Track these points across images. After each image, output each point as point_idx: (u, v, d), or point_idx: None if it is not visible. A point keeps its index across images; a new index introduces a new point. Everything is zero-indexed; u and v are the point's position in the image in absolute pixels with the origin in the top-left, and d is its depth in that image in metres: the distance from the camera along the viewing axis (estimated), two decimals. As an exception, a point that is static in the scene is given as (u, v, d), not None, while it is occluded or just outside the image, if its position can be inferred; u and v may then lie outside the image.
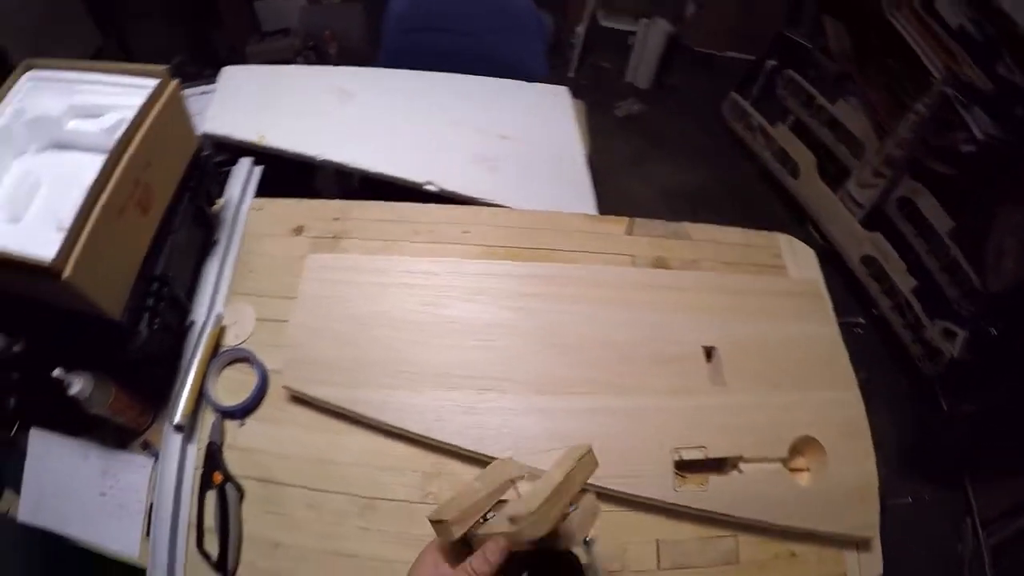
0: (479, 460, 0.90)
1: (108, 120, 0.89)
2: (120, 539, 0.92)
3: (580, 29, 3.08)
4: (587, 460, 0.61)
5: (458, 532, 0.56)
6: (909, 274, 2.11)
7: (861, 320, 2.13)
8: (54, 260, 0.70)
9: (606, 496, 0.88)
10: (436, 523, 0.57)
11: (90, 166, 0.87)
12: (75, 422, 0.96)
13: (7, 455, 0.99)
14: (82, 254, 0.73)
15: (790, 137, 2.54)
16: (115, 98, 0.92)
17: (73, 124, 0.92)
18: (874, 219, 2.22)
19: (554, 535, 0.56)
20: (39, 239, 0.73)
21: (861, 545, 0.90)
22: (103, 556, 0.93)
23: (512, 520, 0.53)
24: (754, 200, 2.70)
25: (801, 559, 0.89)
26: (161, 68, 0.91)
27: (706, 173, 2.81)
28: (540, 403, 0.90)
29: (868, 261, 2.19)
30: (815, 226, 2.41)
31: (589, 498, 0.60)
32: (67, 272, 0.71)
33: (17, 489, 0.97)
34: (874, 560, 0.90)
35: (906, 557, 1.69)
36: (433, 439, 0.89)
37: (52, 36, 2.21)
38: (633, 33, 3.09)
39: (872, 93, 2.28)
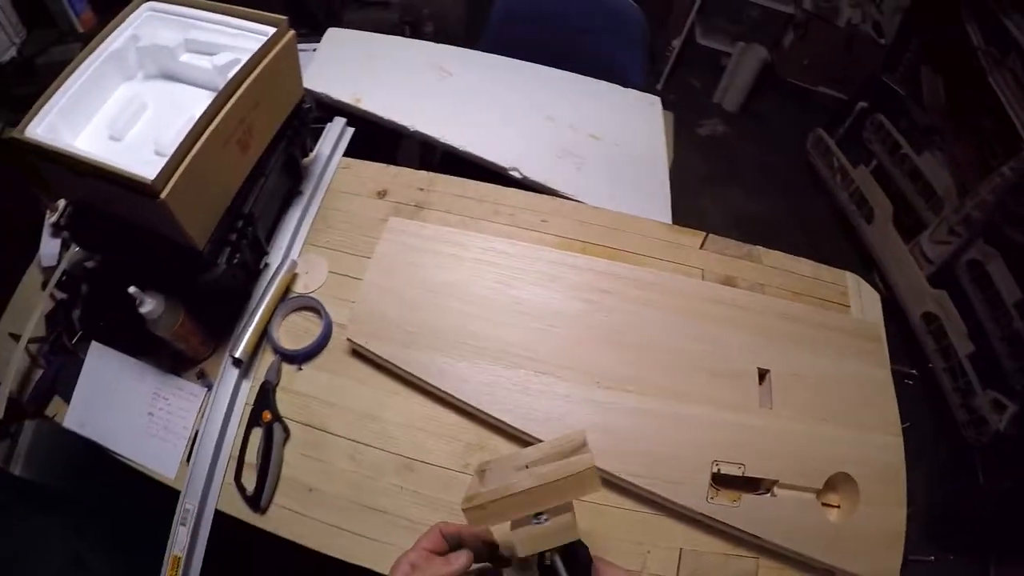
0: (524, 440, 0.93)
1: (222, 58, 0.92)
2: (160, 460, 0.96)
3: (676, 43, 3.08)
4: (585, 476, 0.58)
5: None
6: (968, 338, 2.06)
7: (913, 372, 2.09)
8: (155, 179, 0.73)
9: (639, 496, 0.90)
10: (468, 510, 0.60)
11: (196, 99, 0.93)
12: (136, 342, 1.01)
13: (62, 364, 1.04)
14: (181, 178, 0.76)
15: (870, 181, 2.50)
16: (230, 39, 0.95)
17: (186, 57, 0.96)
18: (942, 277, 2.18)
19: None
20: (137, 159, 0.77)
21: None
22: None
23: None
24: (824, 238, 2.67)
25: None
26: (281, 17, 0.94)
27: (779, 204, 2.79)
28: (594, 395, 0.93)
29: (929, 318, 2.15)
30: (881, 274, 2.37)
31: (567, 518, 0.59)
32: (165, 192, 0.74)
33: (66, 397, 1.02)
34: None
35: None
36: (483, 412, 0.93)
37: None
38: (728, 55, 3.08)
39: (959, 150, 2.24)
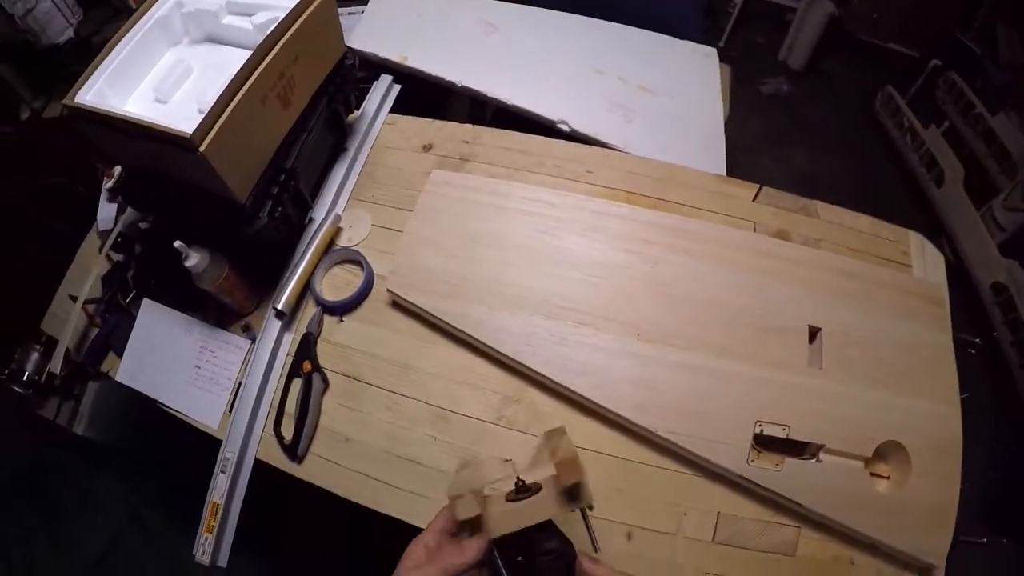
0: (560, 393, 0.92)
1: (261, 17, 0.95)
2: (205, 410, 1.01)
3: (738, -1, 2.96)
4: (568, 458, 0.61)
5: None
6: (1039, 313, 1.96)
7: (977, 340, 1.99)
8: (193, 133, 0.75)
9: (676, 455, 0.88)
10: (454, 499, 0.60)
11: (239, 60, 0.93)
12: (184, 297, 1.06)
13: (117, 322, 1.09)
14: (219, 132, 0.78)
15: (941, 143, 2.37)
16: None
17: (228, 20, 0.99)
18: (1014, 246, 2.05)
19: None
20: (181, 117, 0.79)
21: (923, 572, 0.84)
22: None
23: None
24: (891, 201, 2.53)
25: (859, 568, 0.84)
26: None
27: (845, 165, 2.68)
28: (635, 347, 0.91)
29: (998, 288, 2.03)
30: (949, 240, 2.25)
31: (542, 500, 0.61)
32: (203, 146, 0.77)
33: (119, 353, 1.07)
34: None
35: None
36: (521, 363, 0.92)
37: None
38: (793, 10, 2.95)
39: (1039, 110, 2.09)
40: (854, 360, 0.92)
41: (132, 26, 0.91)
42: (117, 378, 1.04)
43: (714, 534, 0.85)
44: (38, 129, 1.71)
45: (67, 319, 1.10)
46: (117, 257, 1.15)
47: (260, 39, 0.90)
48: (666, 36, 1.50)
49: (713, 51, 1.49)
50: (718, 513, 0.86)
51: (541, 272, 0.97)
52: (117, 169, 1.20)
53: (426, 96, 1.38)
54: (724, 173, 1.24)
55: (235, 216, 0.91)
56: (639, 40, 1.49)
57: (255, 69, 0.84)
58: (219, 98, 0.79)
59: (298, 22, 0.90)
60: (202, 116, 0.79)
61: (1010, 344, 2.00)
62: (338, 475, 0.92)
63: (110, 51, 0.88)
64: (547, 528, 0.61)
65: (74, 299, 1.11)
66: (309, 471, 0.93)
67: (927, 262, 1.09)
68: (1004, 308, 2.02)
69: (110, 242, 1.15)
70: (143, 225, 1.13)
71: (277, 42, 0.87)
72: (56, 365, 1.07)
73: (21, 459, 1.77)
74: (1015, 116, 2.14)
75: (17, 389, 1.08)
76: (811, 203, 1.12)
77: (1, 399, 1.14)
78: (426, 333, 1.00)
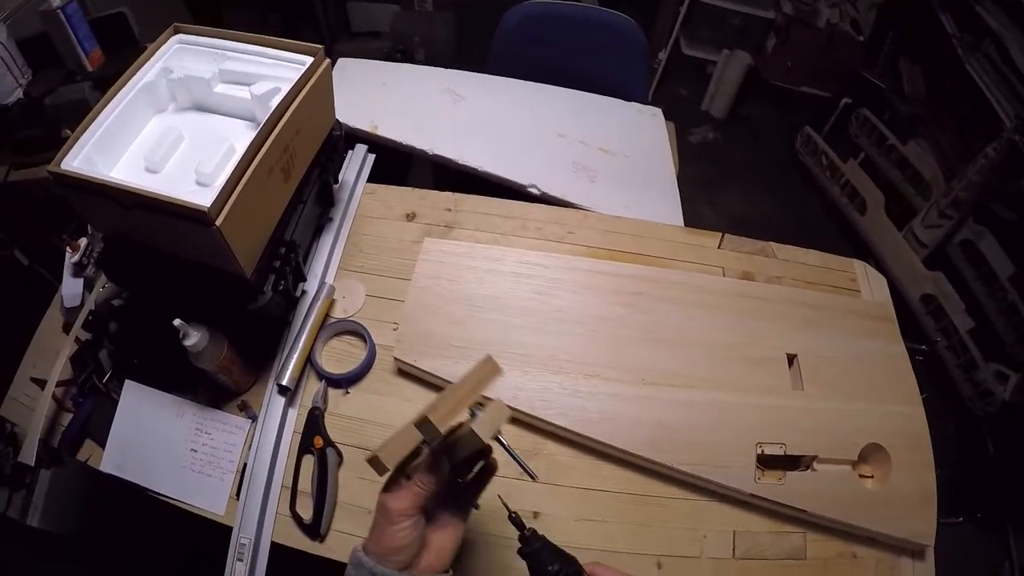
0: (578, 443, 0.98)
1: (261, 88, 0.91)
2: (207, 496, 0.95)
3: (662, 55, 3.15)
4: (489, 369, 0.69)
5: (390, 462, 0.63)
6: (967, 315, 2.14)
7: (924, 347, 2.16)
8: (210, 207, 0.73)
9: (691, 485, 0.95)
10: (372, 460, 0.63)
11: (233, 129, 0.94)
12: (173, 378, 1.00)
13: (93, 406, 1.02)
14: (234, 205, 0.76)
15: (860, 174, 2.58)
16: (267, 69, 0.96)
17: (221, 88, 0.96)
18: (936, 259, 2.26)
19: (459, 442, 0.65)
20: (180, 190, 0.76)
21: (916, 554, 0.95)
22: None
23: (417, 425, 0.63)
24: (820, 233, 2.74)
25: (861, 561, 0.94)
26: (317, 46, 0.96)
27: (774, 203, 2.87)
28: (642, 391, 0.98)
29: (927, 300, 2.22)
30: (877, 262, 2.42)
31: (497, 404, 0.67)
32: (220, 220, 0.74)
33: (99, 439, 1.00)
34: (928, 570, 0.95)
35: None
36: (538, 418, 0.96)
37: (145, 16, 2.15)
38: (713, 63, 3.16)
39: (942, 136, 2.32)
40: (829, 379, 1.02)
41: (117, 91, 0.88)
42: (102, 468, 0.97)
43: (733, 551, 0.93)
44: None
45: (34, 406, 1.01)
46: (86, 336, 1.07)
47: (257, 109, 0.91)
48: (618, 99, 1.63)
49: (659, 111, 1.63)
50: (734, 532, 0.94)
51: (544, 330, 1.03)
52: (83, 241, 1.13)
53: (389, 161, 1.41)
54: (682, 223, 1.36)
55: (239, 291, 0.90)
56: (595, 104, 1.62)
57: (264, 143, 0.82)
58: (233, 171, 0.77)
59: (302, 94, 0.89)
60: (203, 189, 0.79)
61: (945, 348, 2.18)
62: (364, 549, 0.92)
63: (95, 116, 0.84)
64: (548, 547, 0.67)
65: (39, 383, 1.04)
66: (332, 548, 0.91)
67: (872, 285, 1.23)
68: (935, 316, 2.20)
69: (80, 321, 1.06)
70: (118, 302, 1.06)
71: (284, 114, 0.86)
72: (29, 456, 0.97)
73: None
74: (924, 142, 2.36)
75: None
76: (767, 245, 1.24)
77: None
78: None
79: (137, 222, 0.80)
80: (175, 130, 0.92)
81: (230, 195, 0.76)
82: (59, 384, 1.03)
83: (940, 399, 2.20)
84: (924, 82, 2.46)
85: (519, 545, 0.68)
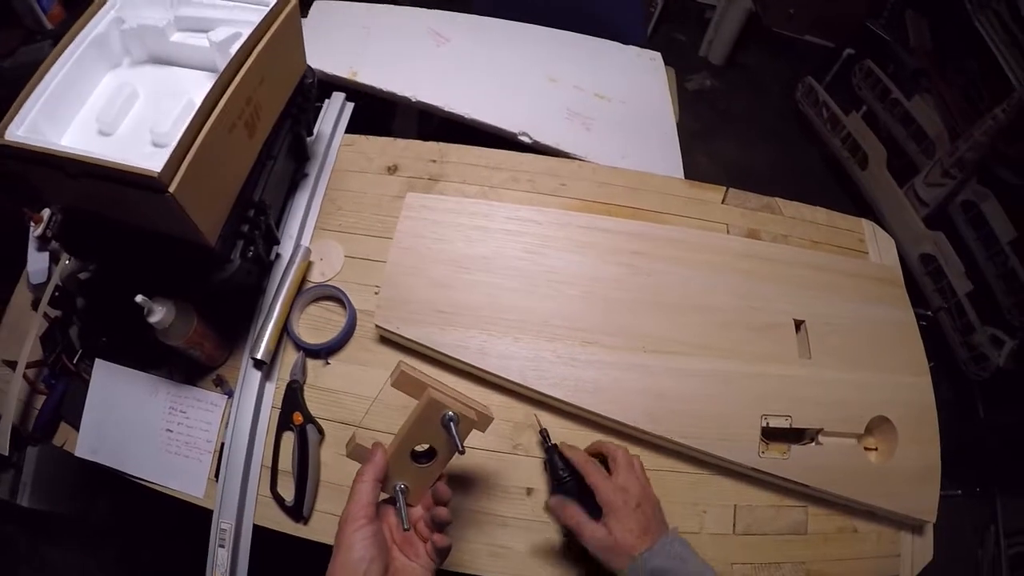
0: (573, 414, 0.92)
1: (220, 34, 0.83)
2: (185, 479, 0.91)
3: (659, -2, 3.03)
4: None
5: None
6: (966, 277, 2.11)
7: (929, 313, 2.13)
8: (161, 171, 0.65)
9: (691, 459, 0.91)
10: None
11: (193, 82, 0.85)
12: (144, 355, 0.95)
13: (65, 387, 0.97)
14: (189, 168, 0.69)
15: (862, 127, 2.50)
16: (226, 13, 0.87)
17: (178, 37, 0.87)
18: (937, 219, 2.21)
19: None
20: (134, 153, 0.70)
21: (916, 529, 0.93)
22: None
23: None
24: (818, 186, 2.68)
25: (862, 536, 0.92)
26: None
27: (772, 155, 2.79)
28: (642, 360, 0.92)
29: (926, 259, 2.18)
30: (876, 219, 2.36)
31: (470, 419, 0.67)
32: (173, 186, 0.67)
33: (73, 423, 0.95)
34: (926, 545, 0.93)
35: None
36: (530, 388, 0.90)
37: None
38: (713, 7, 3.05)
39: (948, 93, 2.25)
40: (836, 347, 0.97)
41: (65, 48, 0.79)
42: (77, 453, 0.93)
43: (734, 526, 0.89)
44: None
45: (6, 388, 0.96)
46: (55, 313, 1.01)
47: (219, 58, 0.82)
48: (614, 42, 1.53)
49: (658, 55, 1.53)
50: (735, 506, 0.90)
51: (538, 293, 0.96)
52: (46, 213, 1.06)
53: (372, 111, 1.34)
54: (682, 175, 1.28)
55: (204, 260, 0.82)
56: (589, 46, 1.51)
57: (222, 95, 0.74)
58: (186, 130, 0.69)
59: (265, 38, 0.81)
60: (160, 150, 0.71)
61: (942, 310, 2.16)
62: (349, 529, 0.88)
63: (41, 78, 0.76)
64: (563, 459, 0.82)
65: (10, 364, 0.98)
66: (317, 530, 0.87)
67: (880, 246, 1.17)
68: (934, 277, 2.17)
69: (47, 297, 1.00)
70: (83, 275, 1.00)
71: (245, 62, 0.77)
72: (3, 444, 0.92)
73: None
74: (929, 98, 2.29)
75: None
76: (773, 200, 1.18)
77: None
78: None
79: (88, 192, 0.73)
80: (129, 86, 0.83)
81: (184, 156, 0.69)
82: (31, 365, 0.97)
83: (935, 362, 2.16)
84: (931, 37, 2.37)
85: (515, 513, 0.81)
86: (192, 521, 0.89)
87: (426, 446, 0.68)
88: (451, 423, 0.65)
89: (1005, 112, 1.92)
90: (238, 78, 0.76)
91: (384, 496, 0.67)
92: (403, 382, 0.69)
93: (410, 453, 0.67)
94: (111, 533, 1.64)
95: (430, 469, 0.68)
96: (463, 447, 0.64)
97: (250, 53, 0.78)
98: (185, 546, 0.89)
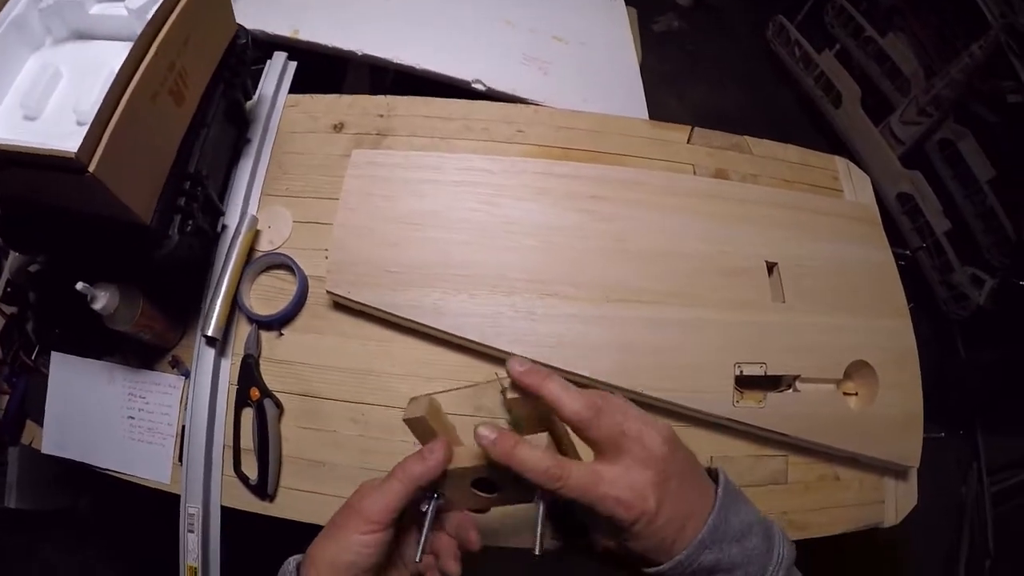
0: None
1: (136, 1, 0.80)
2: (150, 466, 0.90)
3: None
4: None
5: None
6: (944, 216, 2.08)
7: (907, 252, 2.11)
8: (78, 152, 0.62)
9: (663, 411, 0.87)
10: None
11: (116, 54, 0.81)
12: (98, 342, 0.93)
13: (27, 385, 0.95)
14: (109, 145, 0.65)
15: (835, 65, 2.45)
16: None
17: (97, 8, 0.84)
18: (914, 158, 2.18)
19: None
20: (58, 133, 0.69)
21: (899, 475, 0.92)
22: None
23: None
24: (792, 127, 2.63)
25: (844, 483, 0.90)
26: None
27: (744, 96, 2.73)
28: (605, 311, 0.87)
29: (904, 199, 2.15)
30: (852, 157, 2.33)
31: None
32: (93, 165, 0.63)
33: (38, 420, 0.94)
34: (910, 491, 0.92)
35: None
36: (489, 346, 0.86)
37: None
38: (679, -54, 2.95)
39: (922, 30, 2.21)
40: (811, 289, 0.93)
41: None
42: (44, 450, 0.92)
43: None
44: None
45: None
46: (10, 310, 0.99)
47: (139, 26, 0.75)
48: (571, -18, 1.45)
49: (620, -6, 1.46)
50: (711, 457, 0.87)
51: (493, 246, 0.91)
52: None
53: (321, 70, 1.27)
54: (647, 117, 1.22)
55: (141, 240, 0.78)
56: (545, -12, 1.43)
57: (140, 63, 0.70)
58: (103, 104, 0.65)
59: (183, 1, 0.76)
60: (82, 128, 0.66)
61: (921, 249, 2.14)
62: (316, 504, 0.84)
63: None
64: None
65: None
66: (283, 507, 0.85)
67: (855, 184, 1.13)
68: (911, 216, 2.15)
69: None
70: (33, 268, 0.97)
71: (162, 27, 0.73)
72: None
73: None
74: (903, 36, 2.25)
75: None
76: (742, 139, 1.12)
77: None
78: (378, 332, 0.92)
79: (17, 181, 0.69)
80: (51, 66, 0.80)
81: (103, 133, 0.64)
82: None
83: (914, 301, 2.15)
84: (905, -27, 2.31)
85: None
86: (172, 505, 0.88)
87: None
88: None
89: (982, 49, 1.89)
90: (155, 44, 0.72)
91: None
92: (417, 425, 0.53)
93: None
94: (99, 525, 1.63)
95: (479, 499, 0.54)
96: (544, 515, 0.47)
97: (167, 16, 0.74)
98: (169, 532, 0.87)
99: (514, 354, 0.74)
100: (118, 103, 0.66)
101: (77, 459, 0.91)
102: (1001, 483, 1.93)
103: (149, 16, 0.73)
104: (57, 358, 0.93)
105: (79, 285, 0.74)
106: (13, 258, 0.99)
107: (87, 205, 0.72)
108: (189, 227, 0.83)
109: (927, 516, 0.98)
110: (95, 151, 0.64)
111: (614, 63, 1.33)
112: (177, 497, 0.86)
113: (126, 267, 0.81)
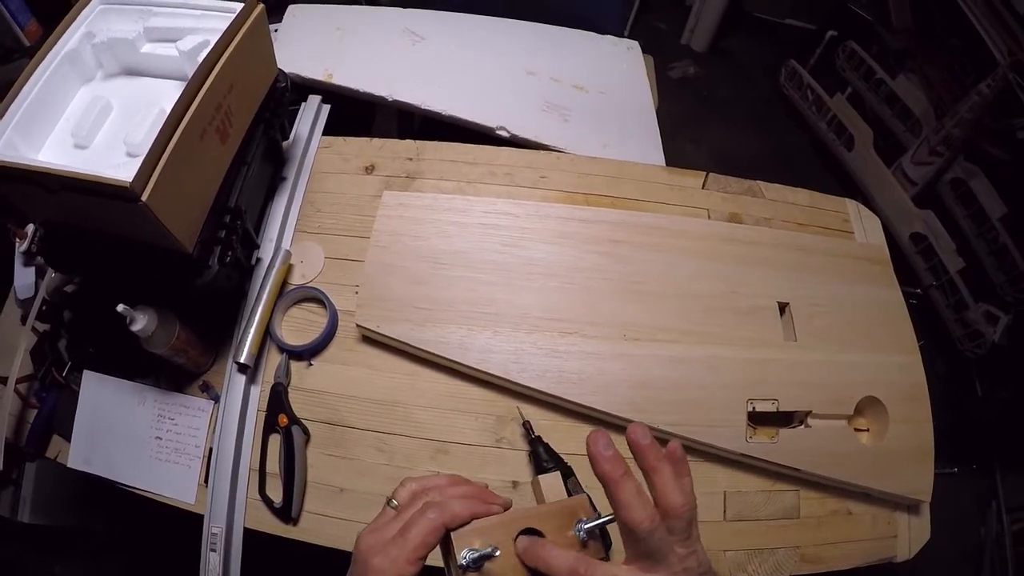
0: (557, 406, 0.92)
1: (189, 43, 0.85)
2: (176, 485, 0.91)
3: (640, -14, 2.99)
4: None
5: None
6: (957, 255, 2.09)
7: (918, 291, 2.12)
8: (133, 180, 0.66)
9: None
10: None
11: (165, 91, 0.86)
12: (130, 363, 0.95)
13: (56, 400, 0.98)
14: (161, 176, 0.69)
15: (847, 108, 2.48)
16: (194, 22, 0.89)
17: (148, 48, 0.88)
18: (926, 197, 2.19)
19: None
20: (109, 164, 0.71)
21: (912, 509, 0.93)
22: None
23: None
24: (806, 170, 2.66)
25: (856, 518, 0.92)
26: None
27: (758, 140, 2.77)
28: (624, 348, 0.91)
29: (917, 239, 2.16)
30: (866, 200, 2.35)
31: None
32: (145, 195, 0.67)
33: (65, 434, 0.96)
34: (923, 525, 0.93)
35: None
36: (512, 381, 0.90)
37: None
38: (693, -6, 3.01)
39: (932, 71, 2.23)
40: (822, 328, 0.96)
41: (38, 64, 0.81)
42: (70, 464, 0.94)
43: (724, 512, 0.89)
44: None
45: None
46: (44, 327, 1.02)
47: (189, 67, 0.83)
48: (590, 32, 1.52)
49: (636, 43, 1.52)
50: (724, 492, 0.90)
51: (517, 286, 0.95)
52: (31, 228, 1.08)
53: (351, 112, 1.33)
54: (663, 163, 1.27)
55: (183, 268, 0.83)
56: (566, 38, 1.50)
57: (192, 103, 0.75)
58: (156, 139, 0.70)
59: (232, 45, 0.81)
60: (134, 160, 0.71)
61: (935, 288, 2.14)
62: (340, 529, 0.87)
63: (16, 95, 0.77)
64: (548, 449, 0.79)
65: (1, 379, 0.98)
66: (306, 531, 0.87)
67: (865, 225, 1.16)
68: (925, 255, 2.15)
69: (35, 312, 1.02)
70: (69, 288, 1.02)
71: (212, 70, 0.78)
72: None
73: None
74: (913, 77, 2.28)
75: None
76: (755, 184, 1.17)
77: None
78: (404, 365, 0.96)
79: (67, 205, 0.74)
80: (102, 99, 0.84)
81: (156, 165, 0.69)
82: (22, 380, 0.98)
83: (929, 340, 2.15)
84: (912, 15, 2.35)
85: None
86: (190, 526, 0.89)
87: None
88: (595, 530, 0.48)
89: (990, 87, 1.90)
90: (206, 85, 0.77)
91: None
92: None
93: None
94: (115, 544, 1.63)
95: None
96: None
97: (217, 60, 0.79)
98: (186, 551, 0.89)
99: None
100: (170, 139, 0.71)
101: (102, 475, 0.93)
102: (1021, 522, 1.90)
103: (200, 58, 0.80)
104: (89, 376, 0.96)
105: (120, 307, 0.78)
106: (50, 278, 1.03)
107: (135, 232, 0.77)
108: (228, 258, 0.88)
109: (946, 555, 0.98)
110: (148, 182, 0.68)
111: (632, 110, 1.39)
112: (196, 519, 0.88)
113: (164, 292, 0.85)
